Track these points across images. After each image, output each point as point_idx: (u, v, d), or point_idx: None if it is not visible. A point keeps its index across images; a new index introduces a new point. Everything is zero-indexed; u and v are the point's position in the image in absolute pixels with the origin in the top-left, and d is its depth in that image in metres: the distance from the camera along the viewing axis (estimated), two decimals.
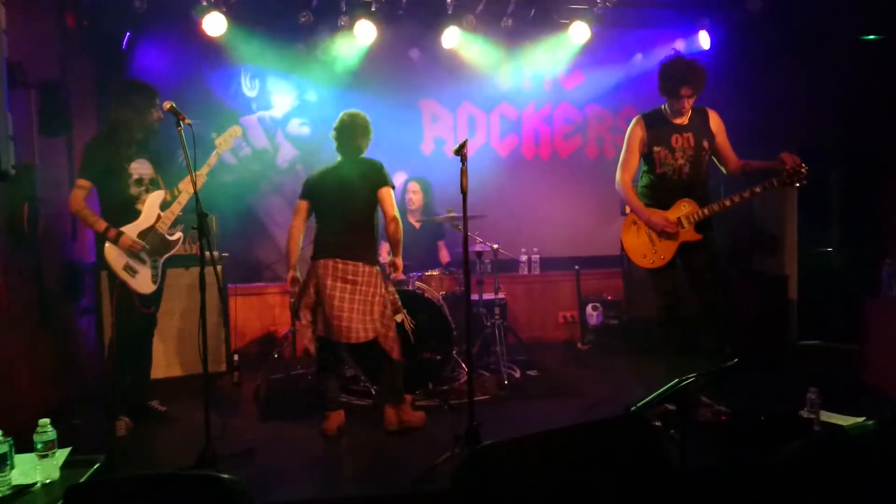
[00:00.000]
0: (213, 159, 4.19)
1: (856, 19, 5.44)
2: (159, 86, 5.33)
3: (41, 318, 4.38)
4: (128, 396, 4.19)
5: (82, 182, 4.00)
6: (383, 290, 4.00)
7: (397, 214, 3.96)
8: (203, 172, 4.12)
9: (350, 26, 5.70)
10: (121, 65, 5.64)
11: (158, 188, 4.19)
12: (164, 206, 4.14)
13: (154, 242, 4.08)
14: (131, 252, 3.99)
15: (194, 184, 3.47)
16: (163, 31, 5.74)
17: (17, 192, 4.16)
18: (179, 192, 4.14)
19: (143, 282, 4.07)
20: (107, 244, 3.94)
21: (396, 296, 4.15)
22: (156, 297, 4.24)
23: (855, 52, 5.53)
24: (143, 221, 4.07)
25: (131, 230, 4.02)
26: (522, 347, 5.67)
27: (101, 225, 3.95)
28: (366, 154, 4.18)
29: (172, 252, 4.20)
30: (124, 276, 3.99)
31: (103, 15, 5.37)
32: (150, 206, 4.11)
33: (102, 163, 4.01)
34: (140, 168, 4.11)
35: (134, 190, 4.09)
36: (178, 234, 4.25)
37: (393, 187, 4.02)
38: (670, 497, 1.91)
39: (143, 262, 4.05)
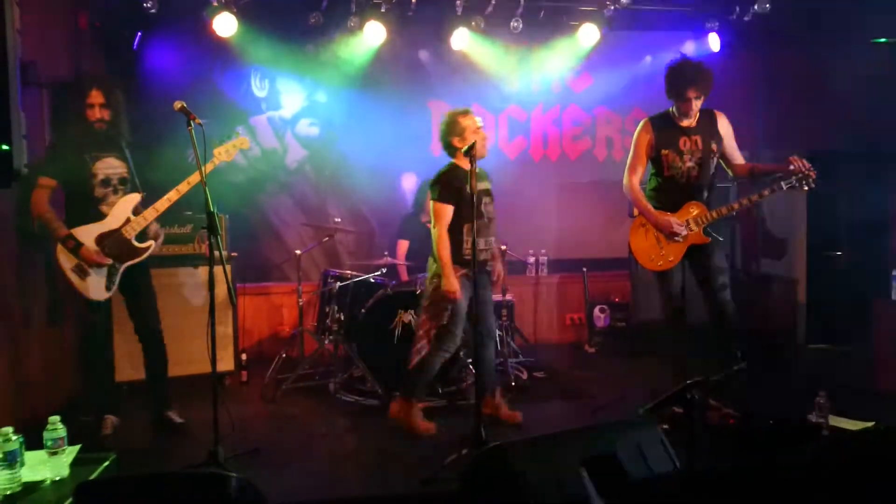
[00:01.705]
0: (207, 169, 3.67)
1: (866, 22, 5.41)
2: (170, 86, 5.42)
3: (50, 320, 4.39)
4: (107, 399, 4.08)
5: (44, 181, 3.79)
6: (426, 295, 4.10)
7: (433, 227, 4.02)
8: (192, 181, 3.83)
9: (359, 27, 5.72)
10: (132, 65, 5.67)
11: (130, 188, 3.96)
12: (138, 210, 3.90)
13: (115, 247, 3.83)
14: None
15: (204, 183, 3.43)
16: (174, 31, 5.77)
17: (29, 191, 4.19)
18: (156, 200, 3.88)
19: (92, 286, 3.82)
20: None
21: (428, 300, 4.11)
22: (141, 302, 4.05)
23: (865, 54, 5.50)
24: (107, 224, 3.84)
25: (90, 232, 3.79)
26: (529, 349, 5.67)
27: (62, 232, 3.75)
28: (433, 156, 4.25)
29: (138, 260, 3.92)
30: (72, 277, 3.78)
31: (115, 15, 5.41)
32: (120, 208, 3.87)
33: (63, 161, 3.81)
34: (107, 168, 3.88)
35: (99, 191, 3.87)
36: (150, 244, 3.98)
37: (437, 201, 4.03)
38: (677, 500, 1.91)
39: (98, 265, 3.82)
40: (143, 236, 3.96)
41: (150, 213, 3.88)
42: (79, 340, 4.05)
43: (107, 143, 3.90)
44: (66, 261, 3.78)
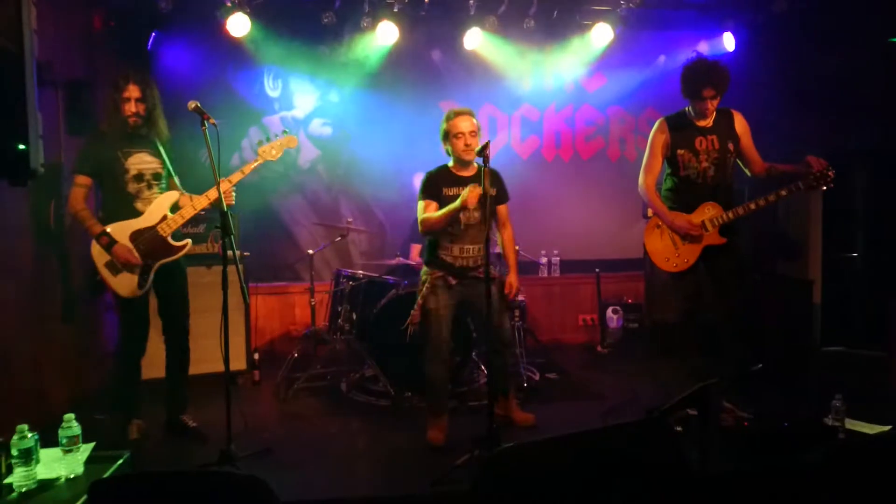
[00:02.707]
0: (249, 168, 3.86)
1: (883, 21, 5.35)
2: (184, 85, 5.44)
3: (64, 318, 4.42)
4: (133, 401, 4.00)
5: (80, 179, 3.77)
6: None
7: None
8: (234, 180, 3.81)
9: (372, 27, 5.72)
10: (147, 64, 5.70)
11: (164, 183, 3.92)
12: (175, 208, 3.85)
13: (150, 245, 3.78)
14: None
15: (218, 184, 3.45)
16: (188, 31, 5.80)
17: (45, 191, 4.23)
18: (194, 198, 3.84)
19: (124, 283, 3.76)
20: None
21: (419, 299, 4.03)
22: (174, 302, 4.01)
23: (882, 54, 5.44)
24: (143, 221, 3.79)
25: (125, 228, 3.75)
26: (542, 350, 5.65)
27: (97, 229, 3.71)
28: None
29: (172, 259, 3.86)
30: (105, 272, 3.73)
31: (130, 15, 5.44)
32: (158, 205, 3.83)
33: (97, 157, 3.78)
34: (139, 163, 3.81)
35: (132, 186, 3.81)
36: (186, 242, 3.92)
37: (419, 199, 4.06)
38: (691, 502, 1.89)
39: (128, 264, 3.76)
40: (178, 235, 3.92)
41: (188, 212, 3.81)
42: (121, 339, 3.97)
43: (140, 138, 3.83)
44: (99, 256, 3.73)
